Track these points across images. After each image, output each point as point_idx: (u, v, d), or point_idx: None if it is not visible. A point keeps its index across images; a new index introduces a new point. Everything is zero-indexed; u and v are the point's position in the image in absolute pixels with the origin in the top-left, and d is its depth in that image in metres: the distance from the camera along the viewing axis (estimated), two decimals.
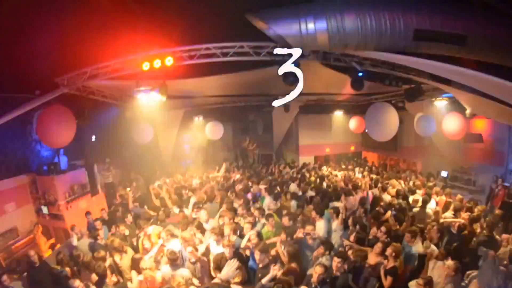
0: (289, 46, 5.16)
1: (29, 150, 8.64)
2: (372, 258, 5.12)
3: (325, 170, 13.14)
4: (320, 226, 6.16)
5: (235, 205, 7.29)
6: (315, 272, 4.28)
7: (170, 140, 13.45)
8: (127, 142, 11.81)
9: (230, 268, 4.05)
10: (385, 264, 4.82)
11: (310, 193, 8.84)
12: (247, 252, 5.44)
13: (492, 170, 9.67)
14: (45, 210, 8.45)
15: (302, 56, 5.72)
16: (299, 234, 5.68)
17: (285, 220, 6.18)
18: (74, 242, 6.64)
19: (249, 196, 8.43)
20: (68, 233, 7.54)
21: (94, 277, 4.93)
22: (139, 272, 5.13)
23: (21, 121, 8.05)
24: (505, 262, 4.81)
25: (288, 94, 6.39)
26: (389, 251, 4.84)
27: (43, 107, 6.98)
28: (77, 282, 4.53)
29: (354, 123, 13.14)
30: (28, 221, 8.20)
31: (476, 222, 6.54)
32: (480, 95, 6.25)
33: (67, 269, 5.68)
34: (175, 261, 4.91)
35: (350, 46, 4.88)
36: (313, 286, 4.27)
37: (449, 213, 7.14)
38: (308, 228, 5.59)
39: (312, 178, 11.12)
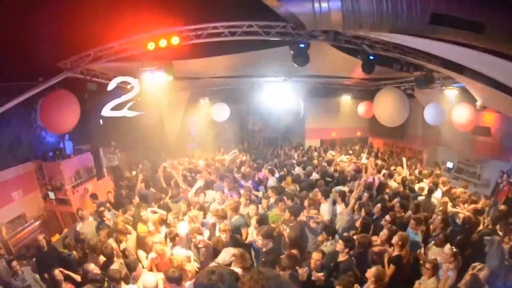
0: (301, 25, 4.97)
1: (34, 137, 8.58)
2: (377, 246, 5.08)
3: (331, 154, 13.01)
4: (325, 209, 6.10)
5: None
6: (313, 258, 4.28)
7: (175, 123, 13.26)
8: (133, 125, 11.76)
9: (226, 255, 4.04)
10: (389, 252, 4.78)
11: (315, 175, 8.79)
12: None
13: (498, 165, 9.56)
14: (51, 195, 8.45)
15: (312, 36, 5.55)
16: (303, 217, 5.63)
17: (288, 202, 6.15)
18: (78, 227, 6.69)
19: (257, 177, 8.38)
20: (75, 217, 7.58)
21: (102, 258, 4.95)
22: (145, 251, 5.19)
23: (26, 109, 7.99)
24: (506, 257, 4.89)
25: (295, 75, 6.24)
26: (395, 239, 4.77)
27: (46, 93, 6.90)
28: (91, 266, 4.56)
29: (362, 108, 12.95)
30: (36, 207, 8.28)
31: (481, 214, 6.51)
32: (493, 86, 6.09)
33: (75, 252, 5.72)
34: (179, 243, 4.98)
35: (365, 27, 4.66)
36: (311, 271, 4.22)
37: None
38: (312, 212, 5.54)
39: (316, 162, 11.02)
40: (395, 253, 4.71)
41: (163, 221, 6.09)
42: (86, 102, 7.90)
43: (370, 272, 3.91)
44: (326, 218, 5.97)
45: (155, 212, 6.17)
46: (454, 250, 4.55)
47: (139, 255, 5.26)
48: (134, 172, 10.93)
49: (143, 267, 4.86)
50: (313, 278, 4.16)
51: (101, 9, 5.24)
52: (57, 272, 4.72)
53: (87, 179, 9.21)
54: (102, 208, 6.71)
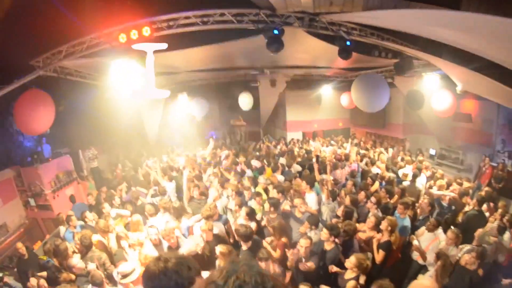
0: (271, 8, 4.91)
1: (11, 142, 8.33)
2: (365, 232, 5.04)
3: (311, 146, 12.97)
4: (310, 199, 6.04)
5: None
6: (301, 246, 4.21)
7: (155, 121, 13.07)
8: (112, 125, 11.56)
9: (193, 244, 3.96)
10: (378, 238, 4.72)
11: (296, 167, 8.82)
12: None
13: (479, 150, 9.81)
14: (32, 202, 8.24)
15: (286, 23, 5.49)
16: (286, 206, 5.56)
17: (274, 193, 6.09)
18: (62, 233, 6.49)
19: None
20: (57, 223, 7.31)
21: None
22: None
23: (1, 114, 7.83)
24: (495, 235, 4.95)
25: (273, 66, 6.16)
26: (384, 224, 4.73)
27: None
28: (74, 260, 4.54)
29: (345, 98, 12.92)
30: (17, 215, 7.99)
31: (466, 195, 6.59)
32: (472, 68, 6.13)
33: (55, 259, 5.54)
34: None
35: (336, 5, 4.62)
36: (302, 260, 4.17)
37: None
38: (296, 201, 5.46)
39: (299, 153, 11.07)
40: (384, 238, 4.67)
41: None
42: (62, 102, 7.69)
43: (350, 262, 3.86)
44: (314, 208, 5.90)
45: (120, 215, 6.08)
46: (455, 231, 4.59)
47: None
48: (115, 173, 10.73)
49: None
50: (301, 267, 4.09)
51: (72, 3, 5.09)
52: (32, 280, 4.55)
53: (67, 182, 8.99)
54: (71, 213, 6.57)
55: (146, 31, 5.08)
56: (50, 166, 8.57)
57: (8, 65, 6.11)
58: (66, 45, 6.07)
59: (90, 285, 4.13)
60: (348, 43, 6.16)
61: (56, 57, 6.30)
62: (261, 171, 8.02)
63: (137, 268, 3.89)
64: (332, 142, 13.47)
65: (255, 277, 1.07)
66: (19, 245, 5.64)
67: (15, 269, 5.85)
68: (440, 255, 4.17)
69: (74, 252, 5.13)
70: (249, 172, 7.97)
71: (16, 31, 5.39)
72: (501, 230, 5.02)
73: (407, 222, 5.46)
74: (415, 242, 4.91)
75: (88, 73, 8.42)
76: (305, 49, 7.89)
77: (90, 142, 10.67)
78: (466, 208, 6.18)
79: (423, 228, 5.28)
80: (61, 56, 6.23)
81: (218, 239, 4.78)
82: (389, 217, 4.93)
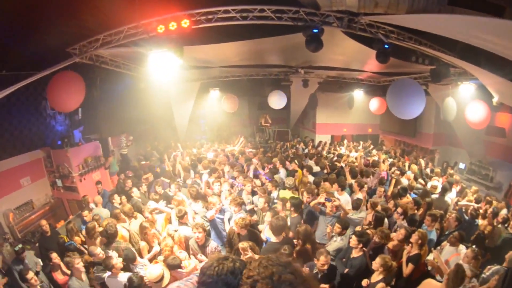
0: (316, 6, 4.81)
1: (43, 125, 8.57)
2: (393, 243, 4.90)
3: (341, 149, 12.84)
4: (345, 199, 5.94)
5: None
6: (318, 261, 3.96)
7: (185, 114, 13.17)
8: (143, 115, 11.79)
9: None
10: (408, 250, 4.59)
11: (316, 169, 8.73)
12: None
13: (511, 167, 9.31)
14: (59, 183, 8.53)
15: (325, 22, 5.38)
16: (321, 199, 5.49)
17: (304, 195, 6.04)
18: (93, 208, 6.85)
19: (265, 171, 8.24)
20: (81, 204, 7.60)
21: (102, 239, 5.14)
22: (146, 240, 5.20)
23: (36, 97, 8.10)
24: None
25: (307, 66, 6.04)
26: (415, 237, 4.61)
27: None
28: (98, 249, 4.67)
29: (374, 103, 12.61)
30: (43, 194, 8.37)
31: (496, 216, 6.35)
32: (510, 79, 5.84)
33: (76, 238, 5.70)
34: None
35: (381, 6, 4.48)
36: (319, 276, 4.00)
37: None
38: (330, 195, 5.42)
39: (325, 156, 10.92)
40: (414, 251, 4.55)
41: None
42: (96, 89, 7.87)
43: (376, 263, 3.81)
44: (348, 207, 5.83)
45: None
46: (475, 250, 4.39)
47: (140, 245, 5.24)
48: (142, 162, 10.92)
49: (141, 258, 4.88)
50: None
51: None
52: (54, 255, 4.80)
53: (95, 167, 9.21)
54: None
55: (185, 23, 5.09)
56: (79, 150, 8.81)
57: (46, 52, 6.31)
58: (103, 34, 6.15)
59: (107, 272, 4.25)
60: (386, 46, 5.98)
61: (93, 45, 6.41)
62: (292, 173, 7.93)
63: (165, 274, 3.88)
64: (359, 147, 13.22)
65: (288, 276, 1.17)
66: (43, 222, 5.97)
67: (37, 244, 6.11)
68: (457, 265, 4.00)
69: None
70: (282, 172, 7.90)
71: (55, 19, 5.44)
72: None
73: (433, 235, 5.34)
74: (429, 257, 4.75)
75: (123, 63, 8.58)
76: (341, 50, 7.76)
77: (120, 130, 10.87)
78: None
79: (445, 242, 5.11)
80: (97, 44, 6.33)
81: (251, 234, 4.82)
82: (420, 230, 4.80)
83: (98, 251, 4.64)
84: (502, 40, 4.28)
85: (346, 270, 4.31)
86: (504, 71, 5.94)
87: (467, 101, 8.84)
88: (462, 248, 4.83)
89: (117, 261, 4.23)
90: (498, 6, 4.69)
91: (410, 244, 4.64)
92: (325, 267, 3.92)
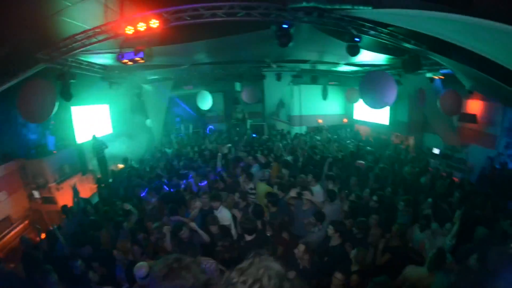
0: (283, 2, 4.84)
1: (15, 135, 8.29)
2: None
3: (316, 140, 12.81)
4: (318, 191, 5.98)
5: None
6: (299, 250, 4.01)
7: (160, 113, 12.96)
8: (118, 116, 11.59)
9: None
10: (387, 238, 4.65)
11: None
12: None
13: (483, 151, 9.72)
14: (36, 194, 8.28)
15: (295, 17, 5.43)
16: (293, 194, 5.52)
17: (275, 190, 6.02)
18: None
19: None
20: (61, 215, 7.31)
21: None
22: None
23: (6, 106, 7.70)
24: None
25: (280, 60, 6.07)
26: (394, 230, 4.68)
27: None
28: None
29: (349, 94, 12.86)
30: (21, 207, 8.08)
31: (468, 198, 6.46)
32: (480, 70, 6.04)
33: None
34: None
35: (349, 1, 4.56)
36: (300, 266, 4.03)
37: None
38: (304, 193, 5.39)
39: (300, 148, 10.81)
40: (394, 243, 4.60)
41: None
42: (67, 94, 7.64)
43: (352, 255, 3.87)
44: (320, 200, 5.81)
45: None
46: None
47: None
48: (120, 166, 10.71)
49: None
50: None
51: None
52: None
53: (72, 175, 8.99)
54: None
55: (154, 23, 5.02)
56: (55, 158, 8.61)
57: (13, 59, 6.10)
58: (72, 38, 5.99)
59: None
60: (356, 39, 6.09)
61: (61, 50, 6.23)
62: (266, 166, 7.95)
63: None
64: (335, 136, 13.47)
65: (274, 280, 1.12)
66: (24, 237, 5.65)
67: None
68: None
69: None
70: (256, 167, 7.93)
71: (19, 25, 5.28)
72: None
73: (407, 220, 5.37)
74: None
75: (92, 67, 8.32)
76: (312, 43, 7.81)
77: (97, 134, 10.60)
78: None
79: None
80: (66, 48, 6.18)
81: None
82: (400, 222, 4.92)
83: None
84: (467, 37, 4.43)
85: (326, 259, 4.38)
86: (474, 62, 6.13)
87: (439, 90, 9.17)
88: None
89: None
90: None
91: (389, 234, 4.72)
92: (306, 256, 3.97)
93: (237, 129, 15.94)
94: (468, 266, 3.93)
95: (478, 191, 7.03)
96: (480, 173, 9.45)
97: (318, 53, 9.50)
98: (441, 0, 4.62)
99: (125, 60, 5.61)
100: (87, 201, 7.22)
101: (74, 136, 10.00)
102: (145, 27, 5.03)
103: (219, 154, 8.57)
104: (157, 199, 6.49)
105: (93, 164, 10.55)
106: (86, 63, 7.99)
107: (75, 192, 7.05)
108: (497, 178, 8.33)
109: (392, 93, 7.78)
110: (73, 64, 7.38)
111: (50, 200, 8.30)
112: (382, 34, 6.43)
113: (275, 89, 14.53)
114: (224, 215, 5.27)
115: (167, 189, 7.27)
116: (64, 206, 6.74)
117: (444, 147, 11.35)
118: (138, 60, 5.53)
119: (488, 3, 4.63)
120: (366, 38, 6.59)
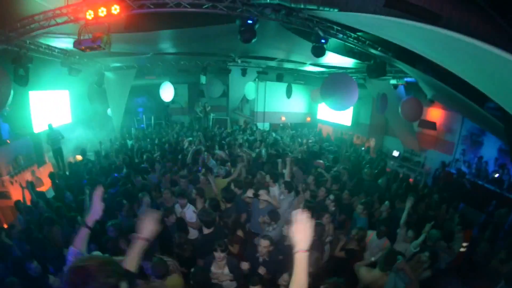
0: None
1: None
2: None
3: (278, 137, 12.79)
4: (274, 192, 5.98)
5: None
6: (261, 245, 4.04)
7: (121, 102, 12.45)
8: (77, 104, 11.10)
9: None
10: (345, 241, 4.77)
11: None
12: None
13: (440, 157, 10.38)
14: None
15: (262, 14, 5.42)
16: (249, 194, 5.47)
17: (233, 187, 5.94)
18: None
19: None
20: (15, 211, 6.80)
21: None
22: None
23: None
24: None
25: (246, 56, 6.02)
26: (354, 234, 4.76)
27: None
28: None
29: (314, 94, 12.90)
30: None
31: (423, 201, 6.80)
32: (441, 81, 6.31)
33: None
34: None
35: (315, 1, 4.61)
36: (260, 260, 4.06)
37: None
38: (261, 191, 5.36)
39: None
40: (351, 246, 4.70)
41: None
42: (23, 79, 7.18)
43: None
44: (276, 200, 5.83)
45: None
46: None
47: None
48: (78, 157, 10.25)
49: None
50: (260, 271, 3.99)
51: None
52: None
53: (27, 167, 8.48)
54: None
55: (115, 9, 4.82)
56: (8, 149, 8.08)
57: None
58: (28, 19, 5.61)
59: None
60: (322, 41, 6.16)
61: (18, 31, 5.83)
62: (224, 163, 7.89)
63: None
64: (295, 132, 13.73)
65: None
66: None
67: None
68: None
69: None
70: (212, 162, 7.84)
71: None
72: None
73: (364, 223, 5.45)
74: None
75: (48, 48, 7.77)
76: (280, 42, 7.82)
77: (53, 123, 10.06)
78: None
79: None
80: (23, 30, 5.79)
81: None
82: (360, 227, 4.96)
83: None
84: (431, 49, 4.54)
85: (280, 257, 4.40)
86: (437, 73, 6.33)
87: (401, 96, 9.57)
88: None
89: None
90: (434, 14, 4.79)
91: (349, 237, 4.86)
92: (266, 250, 4.01)
93: (199, 123, 15.70)
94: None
95: (433, 193, 7.39)
96: (433, 176, 10.05)
97: (285, 51, 9.51)
98: (409, 10, 4.70)
99: (82, 47, 5.33)
100: (39, 194, 6.70)
101: (31, 124, 9.53)
102: (106, 13, 4.83)
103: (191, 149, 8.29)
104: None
105: (49, 156, 10.07)
106: (45, 46, 7.52)
107: (31, 186, 6.62)
108: (454, 183, 8.76)
109: (352, 96, 7.97)
110: (31, 46, 6.96)
111: (3, 195, 7.69)
112: (350, 38, 6.50)
113: (240, 84, 14.58)
114: (191, 213, 5.19)
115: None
116: (18, 202, 6.27)
117: (403, 150, 11.86)
118: (96, 48, 5.27)
119: (458, 17, 4.77)
120: (334, 41, 6.69)
